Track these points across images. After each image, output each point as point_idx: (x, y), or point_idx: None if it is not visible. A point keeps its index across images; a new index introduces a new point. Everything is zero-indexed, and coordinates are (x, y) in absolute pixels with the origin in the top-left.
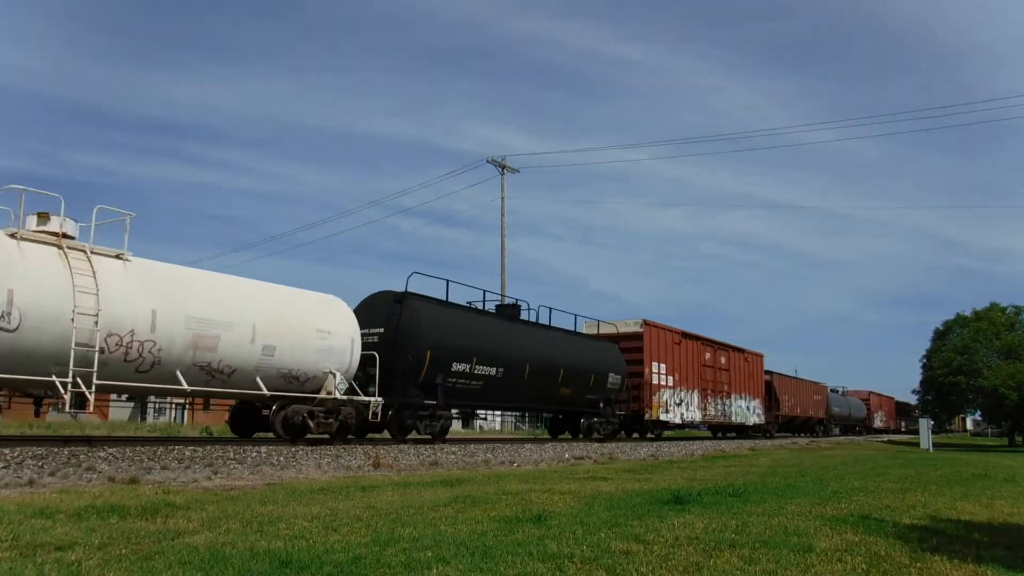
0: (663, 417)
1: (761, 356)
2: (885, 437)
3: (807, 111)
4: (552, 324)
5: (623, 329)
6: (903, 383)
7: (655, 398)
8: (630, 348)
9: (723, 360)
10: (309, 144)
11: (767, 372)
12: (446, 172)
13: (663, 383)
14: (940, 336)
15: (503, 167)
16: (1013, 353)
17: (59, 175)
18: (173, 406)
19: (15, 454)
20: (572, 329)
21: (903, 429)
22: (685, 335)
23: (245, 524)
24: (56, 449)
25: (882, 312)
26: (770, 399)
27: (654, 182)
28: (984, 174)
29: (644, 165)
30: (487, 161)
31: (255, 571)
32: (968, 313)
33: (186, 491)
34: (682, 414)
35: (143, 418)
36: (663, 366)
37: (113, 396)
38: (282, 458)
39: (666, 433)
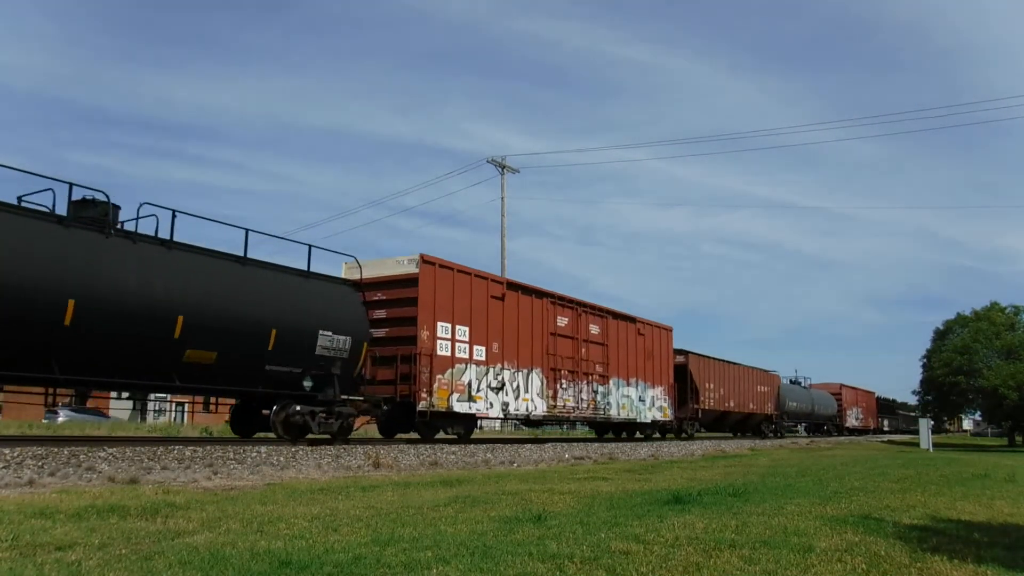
0: (460, 407)
1: (669, 330)
2: (885, 439)
3: (807, 111)
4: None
5: (377, 272)
6: (903, 383)
7: (443, 378)
8: (395, 300)
9: (594, 330)
10: (309, 144)
11: (680, 352)
12: (446, 172)
13: (461, 355)
14: (940, 336)
15: (503, 167)
16: (1013, 353)
17: (59, 175)
18: (173, 406)
19: (15, 454)
20: (243, 256)
21: (885, 428)
22: (514, 286)
23: (245, 524)
24: (56, 449)
25: (882, 312)
26: (684, 389)
27: (654, 182)
28: (984, 174)
29: (644, 165)
30: (487, 161)
31: (255, 571)
32: (968, 313)
33: (186, 491)
34: (505, 404)
35: (143, 418)
36: (464, 330)
37: (113, 394)
38: (282, 458)
39: (500, 433)
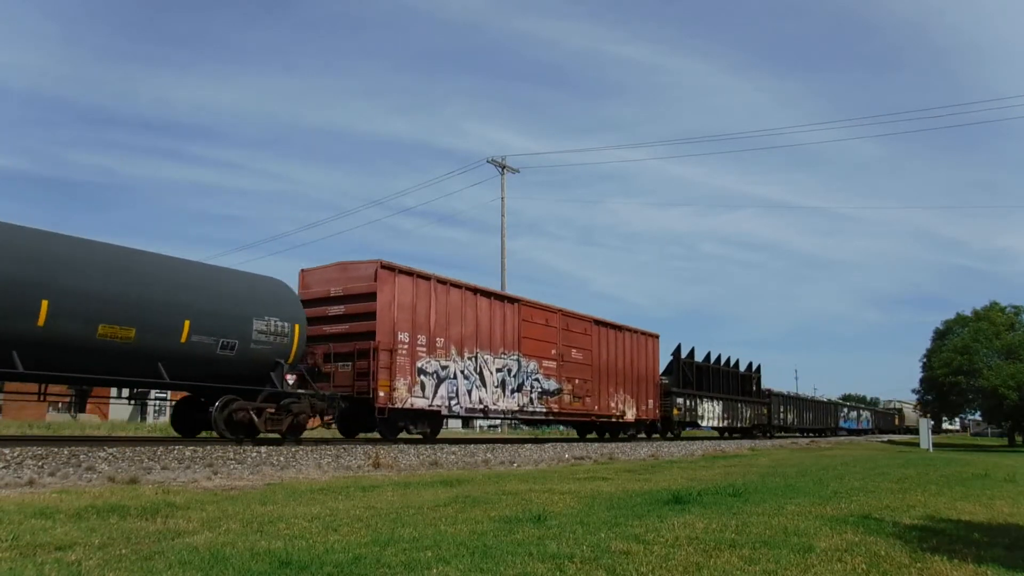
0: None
1: None
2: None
3: (808, 111)
4: None
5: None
6: (903, 383)
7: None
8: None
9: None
10: (309, 144)
11: None
12: (446, 172)
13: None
14: (940, 336)
15: (503, 167)
16: (1013, 353)
17: (59, 175)
18: (173, 406)
19: (15, 454)
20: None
21: (675, 421)
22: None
23: (245, 524)
24: (56, 449)
25: (882, 312)
26: None
27: (654, 182)
28: (984, 174)
29: (644, 165)
30: (487, 161)
31: (255, 571)
32: (968, 313)
33: (186, 491)
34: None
35: (143, 418)
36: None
37: (113, 392)
38: (282, 458)
39: None
